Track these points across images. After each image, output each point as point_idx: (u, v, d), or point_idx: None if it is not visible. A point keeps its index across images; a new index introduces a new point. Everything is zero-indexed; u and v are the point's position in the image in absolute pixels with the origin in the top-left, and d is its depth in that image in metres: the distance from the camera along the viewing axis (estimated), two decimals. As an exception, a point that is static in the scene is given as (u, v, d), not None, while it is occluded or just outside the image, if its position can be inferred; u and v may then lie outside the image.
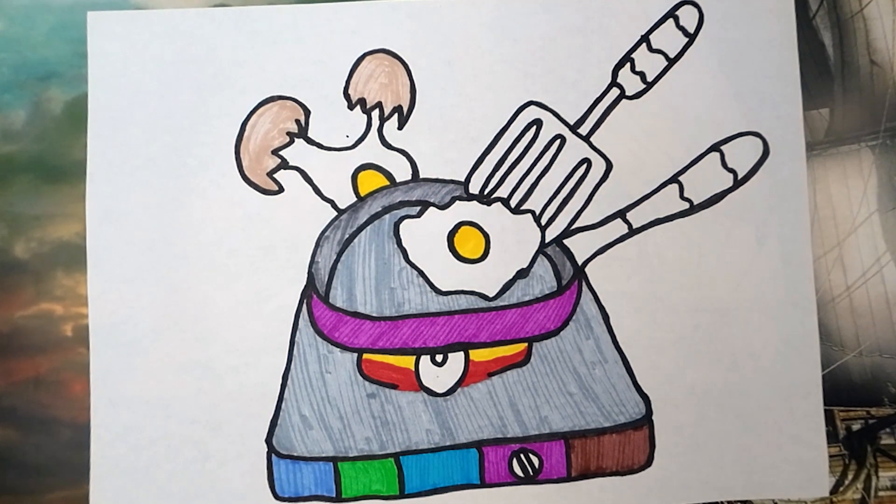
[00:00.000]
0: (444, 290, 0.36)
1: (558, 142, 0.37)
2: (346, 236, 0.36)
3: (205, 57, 0.37)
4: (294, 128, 0.37)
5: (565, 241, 0.37)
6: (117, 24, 0.37)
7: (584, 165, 0.37)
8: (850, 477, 0.38)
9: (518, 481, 0.36)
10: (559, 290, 0.36)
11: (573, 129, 0.37)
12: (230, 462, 0.36)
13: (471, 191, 0.37)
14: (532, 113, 0.37)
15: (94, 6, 0.37)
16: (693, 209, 0.37)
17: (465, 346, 0.36)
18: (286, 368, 0.36)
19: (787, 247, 0.37)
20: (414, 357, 0.36)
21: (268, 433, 0.36)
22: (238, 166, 0.36)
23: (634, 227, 0.37)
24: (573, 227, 0.37)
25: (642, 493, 0.37)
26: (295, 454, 0.36)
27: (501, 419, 0.36)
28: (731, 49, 0.38)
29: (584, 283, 0.37)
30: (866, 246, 0.38)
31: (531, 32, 0.37)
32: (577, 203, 0.37)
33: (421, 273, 0.36)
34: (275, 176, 0.36)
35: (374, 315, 0.36)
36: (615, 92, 0.37)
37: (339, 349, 0.36)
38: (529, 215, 0.36)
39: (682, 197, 0.37)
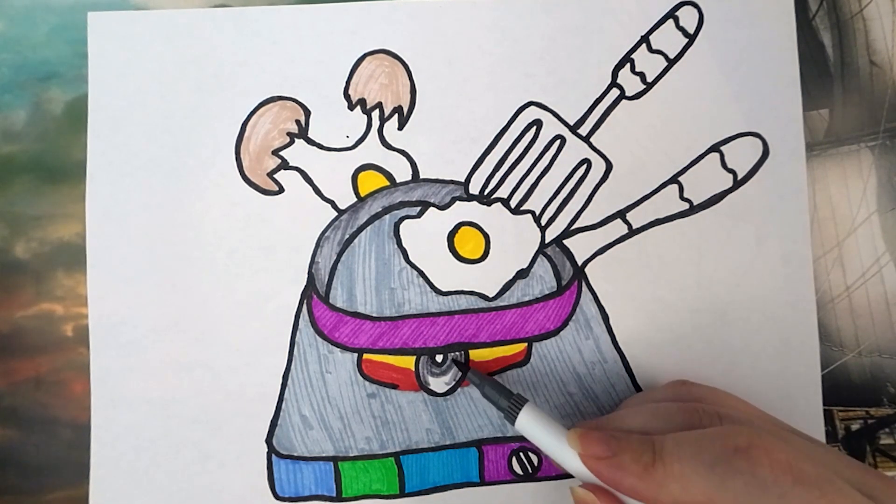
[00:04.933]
0: (444, 290, 0.36)
1: (558, 142, 0.37)
2: (347, 236, 0.36)
3: (205, 57, 0.37)
4: (294, 128, 0.37)
5: (565, 242, 0.37)
6: (117, 24, 0.37)
7: (584, 166, 0.37)
8: (849, 477, 0.38)
9: (517, 479, 0.36)
10: (559, 291, 0.36)
11: (573, 129, 0.37)
12: (230, 462, 0.36)
13: (471, 191, 0.37)
14: (532, 113, 0.37)
15: (94, 6, 0.37)
16: (693, 209, 0.37)
17: (465, 346, 0.36)
18: (286, 368, 0.36)
19: (786, 247, 0.37)
20: (414, 357, 0.36)
21: (268, 433, 0.36)
22: (238, 166, 0.36)
23: (634, 227, 0.37)
24: (573, 227, 0.37)
25: (642, 493, 0.37)
26: (295, 454, 0.36)
27: (501, 419, 0.36)
28: (731, 49, 0.38)
29: (583, 284, 0.37)
30: (866, 246, 0.38)
31: (531, 33, 0.37)
32: (577, 203, 0.37)
33: (421, 273, 0.36)
34: (275, 176, 0.36)
35: (375, 315, 0.36)
36: (615, 92, 0.37)
37: (339, 349, 0.36)
38: (529, 216, 0.36)
39: (681, 197, 0.37)
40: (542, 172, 0.37)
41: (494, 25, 0.37)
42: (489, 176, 0.37)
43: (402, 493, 0.36)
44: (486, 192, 0.37)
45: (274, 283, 0.36)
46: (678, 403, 0.30)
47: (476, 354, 0.36)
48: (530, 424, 0.32)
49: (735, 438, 0.26)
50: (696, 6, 0.38)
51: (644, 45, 0.37)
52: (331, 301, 0.36)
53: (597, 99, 0.37)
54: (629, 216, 0.37)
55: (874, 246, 0.38)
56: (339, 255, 0.36)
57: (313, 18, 0.37)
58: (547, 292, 0.36)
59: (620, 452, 0.28)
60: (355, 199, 0.37)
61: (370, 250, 0.36)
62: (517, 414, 0.32)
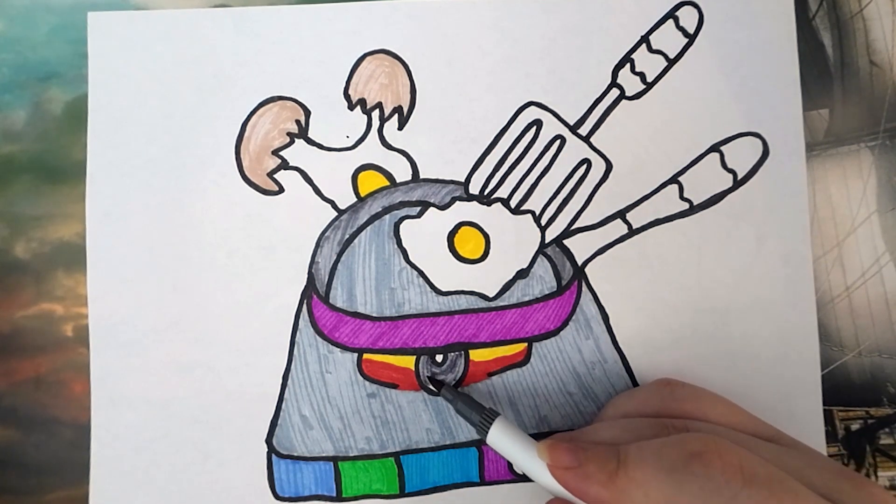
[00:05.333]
0: (444, 290, 0.36)
1: (558, 142, 0.37)
2: (347, 236, 0.36)
3: (205, 57, 0.37)
4: (294, 128, 0.37)
5: (565, 242, 0.37)
6: (117, 24, 0.37)
7: (584, 166, 0.37)
8: (849, 477, 0.38)
9: (517, 479, 0.36)
10: (559, 291, 0.36)
11: (573, 129, 0.37)
12: (230, 462, 0.36)
13: (471, 191, 0.37)
14: (532, 113, 0.37)
15: (94, 6, 0.37)
16: (693, 209, 0.37)
17: (465, 346, 0.36)
18: (286, 368, 0.36)
19: (786, 247, 0.37)
20: (414, 357, 0.36)
21: (268, 433, 0.36)
22: (238, 166, 0.36)
23: (634, 227, 0.37)
24: (573, 227, 0.37)
25: (642, 493, 0.37)
26: (295, 454, 0.36)
27: (501, 419, 0.36)
28: (731, 49, 0.38)
29: (583, 284, 0.37)
30: (865, 246, 0.38)
31: (531, 33, 0.37)
32: (577, 203, 0.37)
33: (421, 273, 0.36)
34: (275, 176, 0.37)
35: (375, 315, 0.36)
36: (615, 92, 0.37)
37: (339, 349, 0.36)
38: (529, 215, 0.36)
39: (682, 197, 0.37)
40: (542, 172, 0.37)
41: (494, 25, 0.37)
42: (489, 176, 0.37)
43: (402, 493, 0.36)
44: (486, 192, 0.37)
45: (274, 283, 0.36)
46: (651, 420, 0.31)
47: (476, 354, 0.36)
48: (500, 438, 0.32)
49: (692, 444, 0.27)
50: (696, 6, 0.38)
51: (644, 45, 0.37)
52: (331, 301, 0.36)
53: (597, 99, 0.37)
54: (629, 216, 0.37)
55: (874, 246, 0.38)
56: (339, 255, 0.36)
57: (313, 18, 0.37)
58: (547, 292, 0.36)
59: (586, 462, 0.29)
60: (355, 199, 0.37)
61: (370, 250, 0.36)
62: (489, 428, 0.32)
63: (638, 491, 0.27)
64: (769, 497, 0.25)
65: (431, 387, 0.36)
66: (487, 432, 0.32)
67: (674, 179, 0.37)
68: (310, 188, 0.37)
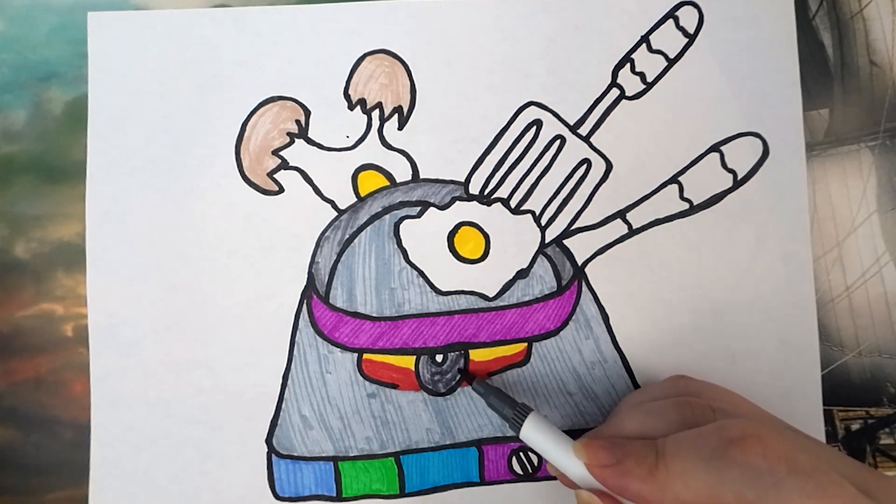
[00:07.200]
0: (444, 290, 0.36)
1: (558, 142, 0.37)
2: (347, 236, 0.36)
3: (205, 57, 0.37)
4: (294, 128, 0.37)
5: (565, 242, 0.37)
6: (117, 24, 0.37)
7: (584, 166, 0.37)
8: (849, 477, 0.38)
9: (517, 479, 0.36)
10: (559, 291, 0.36)
11: (573, 129, 0.37)
12: (230, 462, 0.36)
13: (471, 191, 0.37)
14: (532, 113, 0.37)
15: (94, 6, 0.37)
16: (693, 209, 0.37)
17: (465, 346, 0.36)
18: (286, 368, 0.36)
19: (786, 247, 0.37)
20: (414, 357, 0.36)
21: (268, 433, 0.36)
22: (238, 166, 0.36)
23: (634, 227, 0.37)
24: (573, 227, 0.37)
25: (642, 493, 0.37)
26: (295, 454, 0.36)
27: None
28: (731, 49, 0.38)
29: (583, 284, 0.37)
30: (866, 246, 0.38)
31: (531, 33, 0.37)
32: (577, 203, 0.37)
33: (421, 273, 0.36)
34: (275, 176, 0.37)
35: (375, 315, 0.36)
36: (615, 92, 0.37)
37: (339, 349, 0.36)
38: (529, 215, 0.36)
39: (681, 197, 0.37)
40: (542, 172, 0.37)
41: (494, 25, 0.37)
42: (489, 176, 0.37)
43: (402, 493, 0.36)
44: (486, 192, 0.37)
45: (274, 283, 0.36)
46: (672, 399, 0.31)
47: (476, 354, 0.36)
48: (535, 434, 0.32)
49: (730, 431, 0.27)
50: (696, 6, 0.38)
51: (644, 45, 0.37)
52: (331, 301, 0.36)
53: (597, 99, 0.37)
54: (629, 216, 0.37)
55: (874, 246, 0.38)
56: (339, 255, 0.36)
57: (313, 18, 0.37)
58: (547, 292, 0.36)
59: (625, 459, 0.28)
60: (355, 199, 0.37)
61: (370, 250, 0.36)
62: (522, 423, 0.32)
63: (678, 482, 0.27)
64: (815, 487, 0.25)
65: (463, 378, 0.35)
66: (521, 427, 0.32)
67: (674, 179, 0.37)
68: (310, 188, 0.37)
